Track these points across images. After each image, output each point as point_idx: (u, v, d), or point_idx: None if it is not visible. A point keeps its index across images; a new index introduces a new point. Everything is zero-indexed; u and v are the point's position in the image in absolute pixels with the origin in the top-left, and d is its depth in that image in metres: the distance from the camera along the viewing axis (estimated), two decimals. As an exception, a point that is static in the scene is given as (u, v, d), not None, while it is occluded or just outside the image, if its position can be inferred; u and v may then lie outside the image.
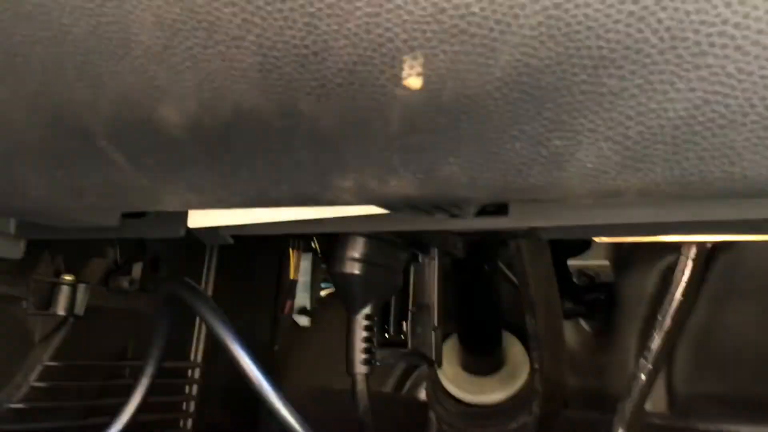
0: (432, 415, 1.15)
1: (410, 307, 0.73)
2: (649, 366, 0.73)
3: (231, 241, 0.67)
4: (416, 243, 0.71)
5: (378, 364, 0.73)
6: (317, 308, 1.18)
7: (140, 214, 0.66)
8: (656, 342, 0.73)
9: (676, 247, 0.83)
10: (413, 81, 0.36)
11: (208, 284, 0.98)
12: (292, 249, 1.09)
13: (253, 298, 1.04)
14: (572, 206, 0.49)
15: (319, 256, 1.16)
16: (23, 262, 0.75)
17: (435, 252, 0.73)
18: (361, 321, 0.67)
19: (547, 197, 0.41)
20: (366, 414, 0.65)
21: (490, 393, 1.02)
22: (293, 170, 0.44)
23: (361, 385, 0.66)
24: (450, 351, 1.08)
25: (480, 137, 0.38)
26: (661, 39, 0.33)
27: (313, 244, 1.16)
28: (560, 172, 0.39)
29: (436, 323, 0.73)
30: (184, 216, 0.64)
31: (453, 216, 0.50)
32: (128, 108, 0.42)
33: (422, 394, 1.18)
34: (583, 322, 1.05)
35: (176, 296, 0.62)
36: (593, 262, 0.87)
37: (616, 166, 0.38)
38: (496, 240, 0.86)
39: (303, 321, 1.17)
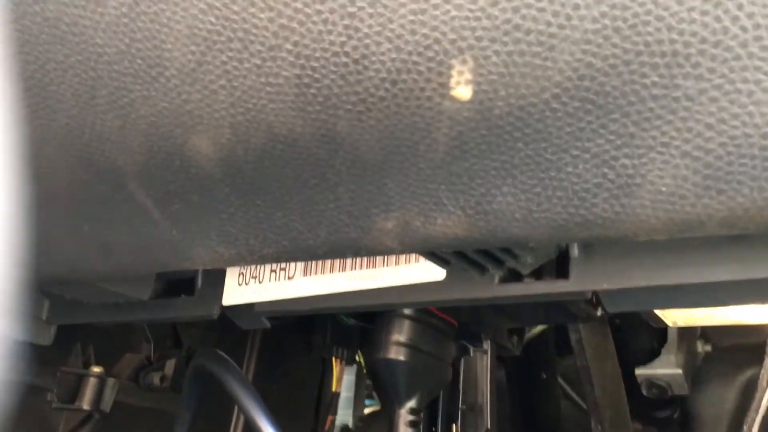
0: None
1: (460, 405, 0.66)
2: (738, 484, 0.63)
3: (267, 324, 0.62)
4: (466, 334, 0.66)
5: (424, 473, 0.65)
6: (360, 427, 1.10)
7: (173, 294, 0.63)
8: (743, 458, 0.63)
9: (758, 357, 0.75)
10: (462, 91, 0.33)
11: (244, 391, 0.92)
12: (335, 359, 1.03)
13: (292, 409, 0.98)
14: (640, 263, 0.44)
15: (364, 370, 1.10)
16: (52, 351, 0.72)
17: (488, 345, 0.66)
18: (405, 416, 0.60)
19: (614, 233, 0.36)
20: None
21: None
22: (331, 211, 0.40)
23: (405, 490, 0.58)
24: (505, 476, 0.98)
25: (536, 159, 0.34)
26: (743, 29, 0.29)
27: (357, 357, 1.11)
28: (630, 199, 0.34)
29: (489, 425, 0.65)
30: (218, 294, 0.61)
31: (508, 270, 0.45)
32: (159, 139, 0.39)
33: None
34: (654, 446, 0.94)
35: (205, 369, 0.57)
36: (664, 370, 0.79)
37: (696, 188, 0.33)
38: (553, 339, 0.79)
39: (345, 441, 1.08)
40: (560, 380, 0.98)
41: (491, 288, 0.48)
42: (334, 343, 1.03)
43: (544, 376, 0.84)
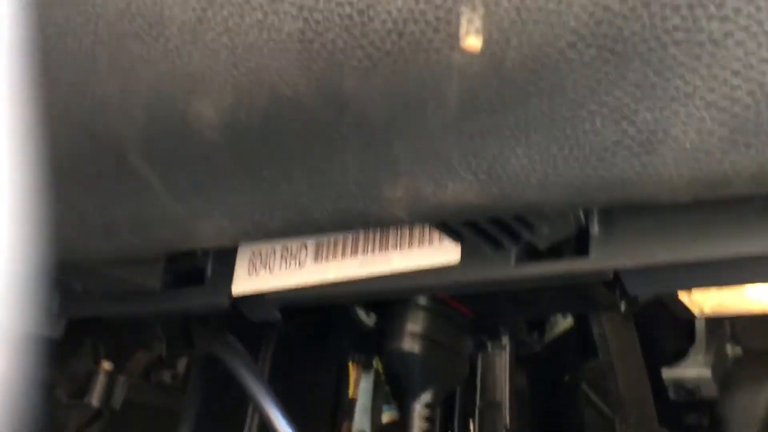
0: None
1: (477, 403, 0.63)
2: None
3: (279, 315, 0.61)
4: (484, 327, 0.63)
5: (440, 472, 0.63)
6: (378, 435, 1.07)
7: (184, 284, 0.62)
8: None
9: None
10: (472, 41, 0.31)
11: (259, 394, 0.90)
12: (352, 363, 1.01)
13: (308, 415, 0.96)
14: (663, 239, 0.41)
15: (382, 376, 1.08)
16: (62, 347, 0.71)
17: (506, 340, 0.64)
18: (420, 410, 0.58)
19: (635, 195, 0.34)
20: None
21: None
22: (338, 179, 0.39)
23: (419, 487, 0.56)
24: (527, 484, 0.95)
25: (552, 115, 0.33)
26: (771, -39, 0.27)
27: (375, 363, 1.08)
28: (651, 157, 0.32)
29: (507, 423, 0.63)
30: (228, 284, 0.59)
31: (525, 248, 0.43)
32: (160, 105, 0.38)
33: None
34: (682, 455, 0.91)
35: (214, 357, 0.56)
36: (692, 371, 0.76)
37: (722, 142, 0.31)
38: (576, 340, 0.77)
39: (362, 449, 1.06)
40: (584, 386, 0.95)
41: (507, 269, 0.46)
42: (350, 347, 1.02)
43: (567, 378, 0.81)
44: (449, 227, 0.42)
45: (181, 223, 0.45)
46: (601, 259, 0.43)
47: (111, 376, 0.71)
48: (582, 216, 0.43)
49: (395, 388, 1.08)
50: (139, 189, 0.44)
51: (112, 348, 0.75)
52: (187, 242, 0.46)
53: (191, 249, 0.47)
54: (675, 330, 0.79)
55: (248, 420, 0.88)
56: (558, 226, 0.41)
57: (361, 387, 1.07)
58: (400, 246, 0.51)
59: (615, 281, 0.45)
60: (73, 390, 0.70)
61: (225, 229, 0.44)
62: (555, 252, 0.45)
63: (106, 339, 0.75)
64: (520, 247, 0.44)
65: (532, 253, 0.46)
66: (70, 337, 0.71)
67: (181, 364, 0.77)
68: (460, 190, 0.36)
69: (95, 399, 0.70)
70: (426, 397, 0.58)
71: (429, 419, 0.58)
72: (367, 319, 0.95)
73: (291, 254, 0.57)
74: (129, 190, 0.44)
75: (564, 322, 0.76)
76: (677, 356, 0.77)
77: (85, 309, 0.67)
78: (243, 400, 0.90)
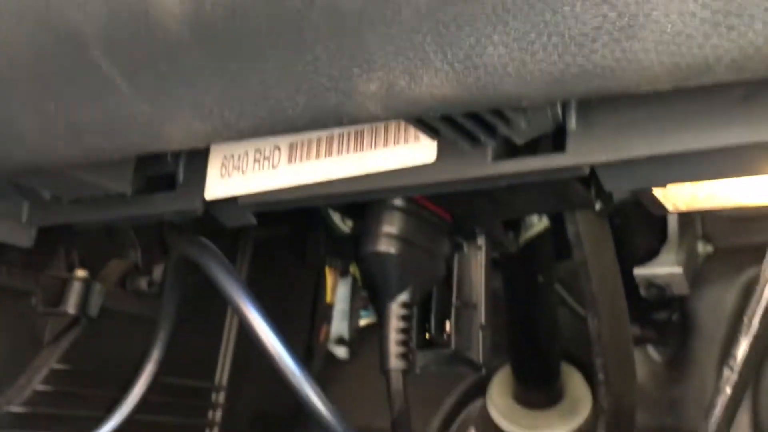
0: (482, 459, 1.04)
1: (453, 303, 0.64)
2: (735, 377, 0.62)
3: (254, 220, 0.60)
4: (461, 229, 0.63)
5: (418, 371, 0.64)
6: (356, 339, 1.09)
7: (155, 189, 0.61)
8: (743, 348, 0.62)
9: (760, 258, 0.73)
10: None
11: (237, 300, 0.91)
12: (329, 269, 1.02)
13: (286, 320, 0.96)
14: (641, 133, 0.41)
15: (359, 281, 1.09)
16: (34, 255, 0.70)
17: (483, 241, 0.64)
18: (396, 310, 0.59)
19: (615, 84, 0.33)
20: (402, 415, 0.55)
21: (547, 428, 0.90)
22: (310, 74, 0.37)
23: (396, 384, 0.57)
24: (502, 382, 0.97)
25: (530, 1, 0.31)
26: None
27: (352, 269, 1.09)
28: (632, 43, 0.31)
29: (483, 322, 0.63)
30: (200, 188, 0.58)
31: (502, 144, 0.42)
32: (120, -5, 0.36)
33: (471, 436, 1.07)
34: (652, 350, 0.94)
35: (188, 259, 0.55)
36: (663, 269, 0.77)
37: (704, 25, 0.30)
38: (551, 242, 0.77)
39: (340, 352, 1.08)
40: (558, 287, 0.97)
41: (484, 166, 0.45)
42: (327, 253, 1.02)
43: (541, 279, 0.82)
44: (425, 123, 0.41)
45: (149, 123, 0.43)
46: (577, 155, 0.43)
47: (86, 284, 0.71)
48: (559, 111, 0.42)
49: (372, 293, 1.09)
50: (103, 87, 0.42)
51: (86, 256, 0.74)
52: (156, 144, 0.45)
53: (161, 151, 0.46)
54: (648, 230, 0.80)
55: (227, 323, 0.89)
56: (535, 120, 0.40)
57: (338, 293, 1.08)
58: (375, 146, 0.50)
59: (591, 177, 0.45)
60: (49, 298, 0.70)
61: (195, 130, 0.43)
62: (531, 149, 0.45)
63: (79, 247, 0.74)
64: (497, 144, 0.43)
65: (509, 151, 0.45)
66: (43, 245, 0.70)
67: (158, 272, 0.77)
68: (436, 82, 0.35)
69: (71, 306, 0.70)
70: (403, 297, 0.59)
71: (405, 318, 0.59)
72: (343, 225, 0.96)
73: (264, 156, 0.56)
74: (92, 89, 0.42)
75: (539, 224, 0.76)
76: (650, 256, 0.78)
77: (55, 216, 0.66)
78: (221, 305, 0.90)
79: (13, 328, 0.68)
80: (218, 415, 0.87)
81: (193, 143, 0.44)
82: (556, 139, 0.44)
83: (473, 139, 0.42)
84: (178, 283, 0.57)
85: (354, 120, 0.39)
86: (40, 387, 0.68)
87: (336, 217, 0.95)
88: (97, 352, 0.73)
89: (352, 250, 1.05)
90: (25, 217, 0.67)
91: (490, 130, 0.41)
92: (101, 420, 0.58)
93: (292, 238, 0.99)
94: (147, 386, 0.57)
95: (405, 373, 0.58)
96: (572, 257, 0.68)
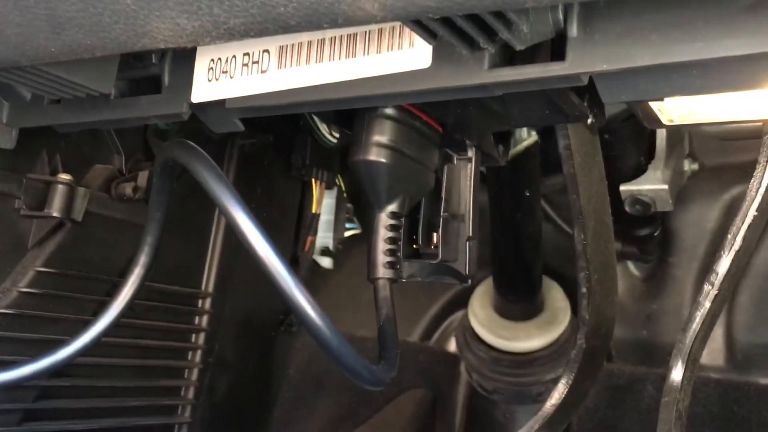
0: (462, 368, 1.07)
1: (441, 214, 0.64)
2: (715, 292, 0.63)
3: (240, 126, 0.59)
4: (451, 141, 0.63)
5: (404, 279, 0.64)
6: (340, 250, 1.10)
7: (140, 93, 0.59)
8: (724, 264, 0.63)
9: (745, 176, 0.73)
10: None
11: (222, 208, 0.90)
12: (315, 181, 1.01)
13: (271, 231, 0.96)
14: (645, 41, 0.40)
15: (344, 193, 1.08)
16: (17, 158, 0.69)
17: (473, 152, 0.64)
18: (385, 219, 0.58)
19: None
20: (389, 323, 0.56)
21: (526, 339, 0.93)
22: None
23: (383, 291, 0.57)
24: (483, 293, 0.99)
25: None
26: None
27: (337, 181, 1.09)
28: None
29: (471, 233, 0.64)
30: (187, 92, 0.57)
31: (500, 51, 0.41)
32: None
33: (452, 346, 1.10)
34: (631, 266, 0.95)
35: (174, 161, 0.54)
36: (649, 186, 0.77)
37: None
38: (539, 156, 0.77)
39: (325, 263, 1.08)
40: (543, 202, 0.98)
41: (480, 73, 0.44)
42: (313, 164, 1.01)
43: (528, 194, 0.82)
44: (423, 25, 0.39)
45: (133, 18, 0.42)
46: (577, 64, 0.42)
47: (70, 187, 0.70)
48: (561, 16, 0.41)
49: (357, 204, 1.09)
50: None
51: (70, 161, 0.73)
52: (141, 41, 0.43)
53: (146, 49, 0.44)
54: (636, 147, 0.80)
55: (213, 231, 0.89)
56: (537, 24, 0.39)
57: (324, 204, 1.08)
58: (368, 52, 0.49)
59: (587, 89, 0.44)
60: (32, 201, 0.69)
61: (182, 27, 0.41)
62: (529, 57, 0.44)
63: (63, 152, 0.73)
64: (495, 50, 0.42)
65: (506, 59, 0.44)
66: (26, 149, 0.68)
67: (142, 179, 0.76)
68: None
69: (55, 210, 0.69)
70: (392, 207, 0.59)
71: (394, 227, 0.59)
72: (330, 136, 0.94)
73: (253, 60, 0.54)
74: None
75: (529, 138, 0.76)
76: (637, 174, 0.79)
77: (36, 118, 0.64)
78: (207, 213, 0.90)
79: (-4, 230, 0.68)
80: (204, 320, 0.88)
81: (179, 42, 0.42)
82: (556, 48, 0.43)
83: (472, 44, 0.41)
84: (165, 186, 0.56)
85: (349, 20, 0.38)
86: (26, 289, 0.68)
87: (323, 128, 0.94)
88: (83, 257, 0.73)
89: (338, 162, 1.05)
90: (5, 119, 0.65)
91: (491, 34, 0.39)
92: (89, 323, 0.58)
93: (277, 147, 0.98)
94: (135, 290, 0.57)
95: (392, 281, 0.58)
96: (559, 173, 0.68)
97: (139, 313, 0.78)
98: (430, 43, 0.43)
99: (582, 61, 0.42)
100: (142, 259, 0.56)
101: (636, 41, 0.40)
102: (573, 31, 0.41)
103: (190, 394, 0.87)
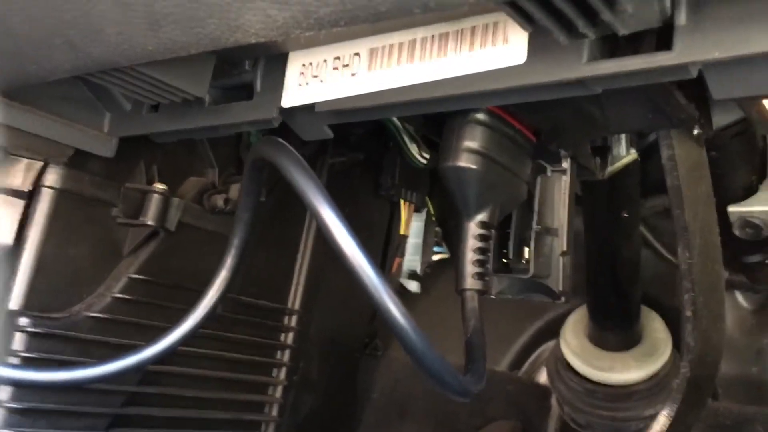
0: (553, 400, 1.02)
1: (534, 227, 0.61)
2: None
3: (330, 133, 0.59)
4: (545, 151, 0.60)
5: (493, 295, 0.62)
6: (428, 274, 1.07)
7: (233, 100, 0.60)
8: None
9: None
10: None
11: (311, 226, 0.91)
12: (404, 202, 1.00)
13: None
14: (761, 26, 0.37)
15: (433, 216, 1.07)
16: (116, 168, 0.71)
17: (567, 164, 0.61)
18: (474, 229, 0.56)
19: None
20: (477, 335, 0.54)
21: (624, 371, 0.88)
22: (396, -50, 0.35)
23: (471, 303, 0.55)
24: (576, 321, 0.95)
25: None
26: None
27: (426, 203, 1.07)
28: None
29: (565, 248, 0.61)
30: (277, 98, 0.57)
31: (600, 41, 0.39)
32: None
33: (542, 377, 1.05)
34: (740, 297, 0.89)
35: (264, 162, 0.54)
36: (761, 207, 0.72)
37: None
38: (639, 174, 0.73)
39: (412, 286, 1.07)
40: (642, 227, 0.93)
41: (578, 66, 0.42)
42: (402, 184, 1.00)
43: (626, 215, 0.78)
44: (519, 8, 0.38)
45: (226, 11, 0.42)
46: (686, 53, 0.39)
47: (165, 197, 0.71)
48: (668, 3, 0.39)
49: (446, 229, 1.07)
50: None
51: (165, 173, 0.75)
52: (234, 35, 0.43)
53: (239, 44, 0.44)
54: (747, 165, 0.75)
55: (301, 248, 0.89)
56: (643, 5, 0.37)
57: (412, 226, 1.06)
58: (460, 49, 0.48)
59: (695, 88, 0.41)
60: (129, 209, 0.70)
61: (273, 18, 0.41)
62: (633, 48, 0.41)
63: (159, 164, 0.74)
64: (595, 39, 0.40)
65: (606, 51, 0.42)
66: (125, 159, 0.70)
67: (234, 191, 0.77)
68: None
69: (150, 218, 0.70)
70: (481, 216, 0.57)
71: (484, 238, 0.57)
72: (420, 157, 0.93)
73: (343, 64, 0.54)
74: (171, -25, 0.41)
75: (628, 156, 0.72)
76: (746, 194, 0.73)
77: (135, 127, 0.66)
78: (296, 229, 0.90)
79: (95, 237, 0.69)
80: (290, 337, 0.88)
81: (270, 35, 0.43)
82: (662, 38, 0.40)
83: (570, 29, 0.39)
84: (253, 188, 0.56)
85: (442, 5, 0.36)
86: (119, 295, 0.69)
87: (413, 148, 0.93)
88: (175, 266, 0.74)
89: (427, 184, 1.03)
90: (106, 128, 0.68)
91: (591, 15, 0.37)
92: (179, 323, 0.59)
93: (366, 167, 0.98)
94: (216, 300, 0.57)
95: (480, 293, 0.56)
96: (661, 193, 0.64)
97: (226, 325, 0.79)
98: (526, 30, 0.41)
99: (691, 50, 0.39)
100: (229, 261, 0.56)
101: (753, 24, 0.37)
102: (681, 18, 0.39)
103: (274, 411, 0.86)
